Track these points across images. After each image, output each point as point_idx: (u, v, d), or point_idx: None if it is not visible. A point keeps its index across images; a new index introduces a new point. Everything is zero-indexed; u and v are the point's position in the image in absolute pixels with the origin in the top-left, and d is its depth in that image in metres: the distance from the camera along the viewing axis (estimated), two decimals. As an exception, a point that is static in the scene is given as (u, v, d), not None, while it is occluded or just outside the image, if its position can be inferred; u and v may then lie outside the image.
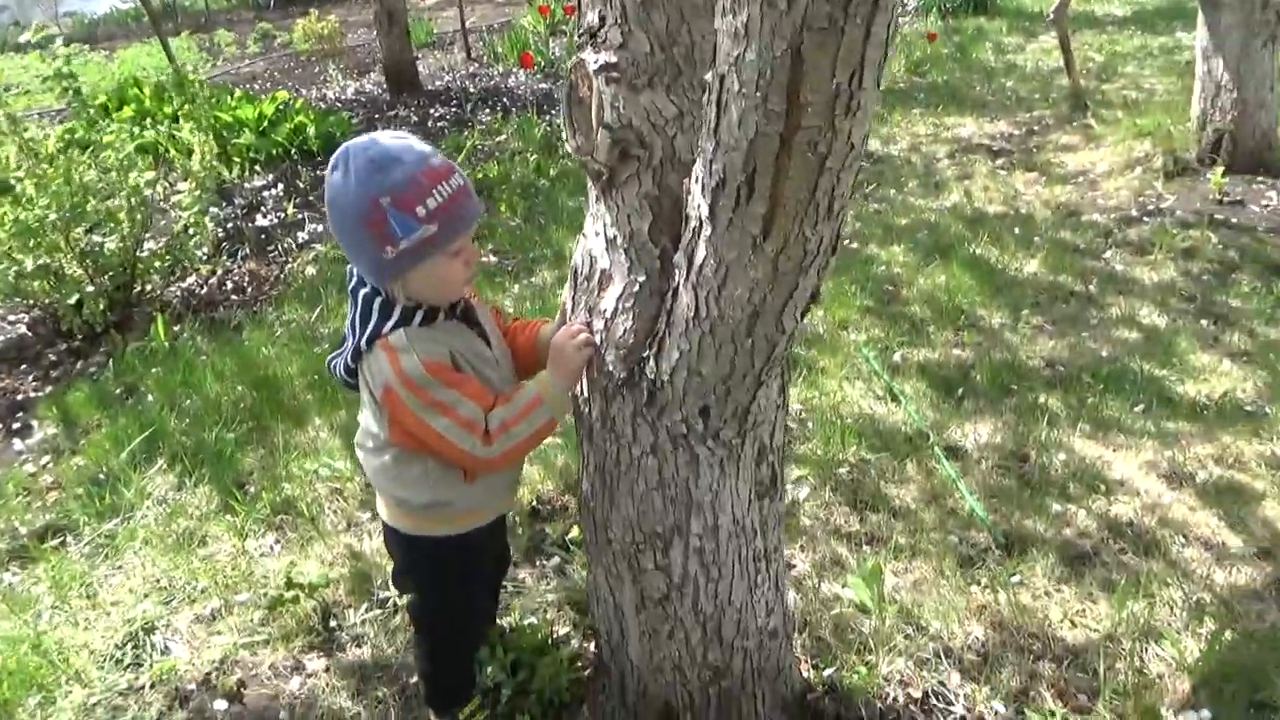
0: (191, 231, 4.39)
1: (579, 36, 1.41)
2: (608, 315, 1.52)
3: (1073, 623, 2.19)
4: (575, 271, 1.60)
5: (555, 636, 2.16)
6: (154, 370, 3.70)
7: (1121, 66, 6.92)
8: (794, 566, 2.40)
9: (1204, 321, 3.49)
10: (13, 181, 3.62)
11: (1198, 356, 3.25)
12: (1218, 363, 3.20)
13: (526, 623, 2.14)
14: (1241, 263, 3.85)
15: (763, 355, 1.38)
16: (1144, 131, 5.09)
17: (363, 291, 1.50)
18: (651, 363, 1.47)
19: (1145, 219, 4.33)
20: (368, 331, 1.48)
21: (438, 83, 8.53)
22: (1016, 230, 4.33)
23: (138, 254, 4.17)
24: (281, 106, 6.07)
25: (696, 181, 1.26)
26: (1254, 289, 3.64)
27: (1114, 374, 3.16)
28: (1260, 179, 4.42)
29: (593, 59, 1.36)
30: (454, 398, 1.46)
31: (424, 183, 1.43)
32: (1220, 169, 4.40)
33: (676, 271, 1.37)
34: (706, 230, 1.26)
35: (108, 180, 3.91)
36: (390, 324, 1.47)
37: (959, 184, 5.04)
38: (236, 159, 5.85)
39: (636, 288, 1.48)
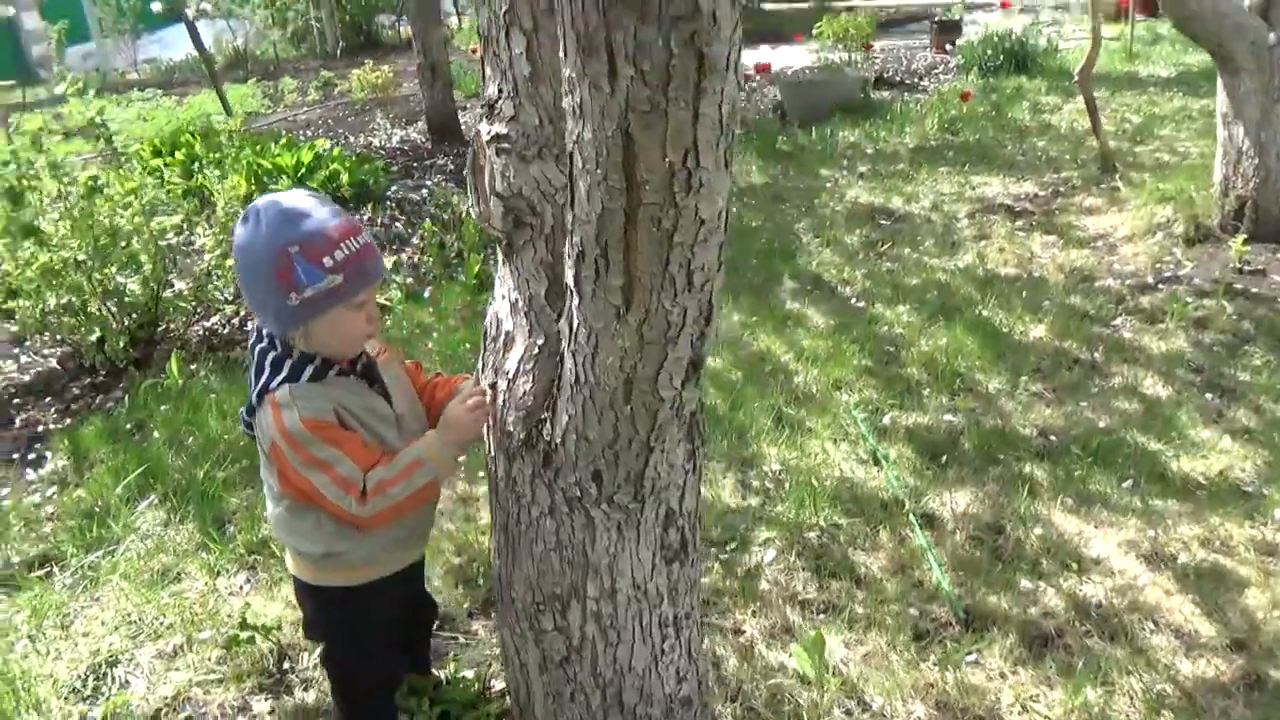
0: (215, 274, 4.57)
1: (481, 108, 1.46)
2: (510, 376, 1.54)
3: (1024, 707, 2.11)
4: (485, 332, 1.63)
5: (491, 691, 2.15)
6: (163, 407, 3.82)
7: (1158, 129, 6.80)
8: (742, 632, 2.36)
9: (1209, 395, 3.36)
10: (43, 223, 3.82)
11: (1198, 431, 3.14)
12: (1218, 439, 3.08)
13: (461, 675, 2.14)
14: (1256, 334, 3.71)
15: (645, 423, 1.39)
16: (1167, 196, 4.98)
17: (258, 347, 1.56)
18: (548, 425, 1.49)
19: (1160, 286, 4.21)
20: (258, 387, 1.52)
21: (479, 132, 8.76)
22: (1025, 294, 4.25)
23: (161, 294, 4.34)
24: (319, 154, 6.30)
25: (567, 252, 1.28)
26: (1265, 363, 3.51)
27: (1106, 446, 3.06)
28: (1285, 248, 4.28)
29: (486, 130, 1.41)
30: (333, 455, 1.49)
31: (333, 236, 1.49)
32: (1242, 237, 4.27)
33: (562, 337, 1.39)
34: (575, 299, 1.28)
35: (135, 224, 4.10)
36: (278, 379, 1.51)
37: (975, 244, 4.98)
38: (274, 204, 6.09)
39: (536, 350, 1.50)
